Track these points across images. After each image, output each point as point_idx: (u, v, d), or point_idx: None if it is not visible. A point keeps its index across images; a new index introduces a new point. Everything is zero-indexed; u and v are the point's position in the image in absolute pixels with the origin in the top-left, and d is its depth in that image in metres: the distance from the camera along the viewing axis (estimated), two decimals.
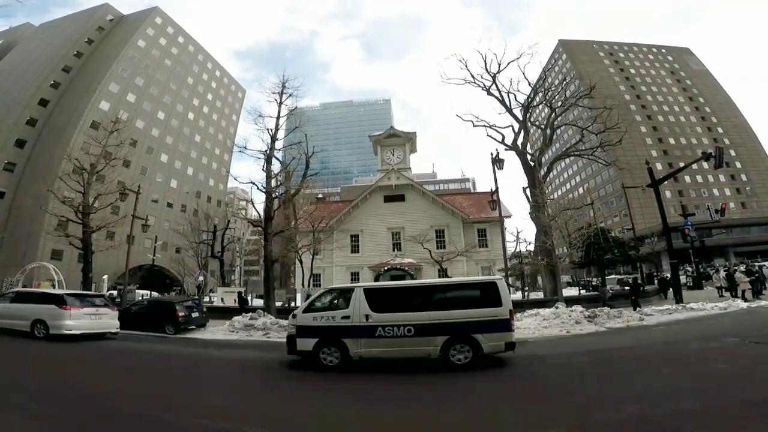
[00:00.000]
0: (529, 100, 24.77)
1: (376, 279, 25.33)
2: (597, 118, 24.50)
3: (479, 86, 24.76)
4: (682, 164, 34.37)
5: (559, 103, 25.05)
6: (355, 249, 29.01)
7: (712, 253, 50.86)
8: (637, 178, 47.96)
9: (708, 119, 74.72)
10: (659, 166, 58.59)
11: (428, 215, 28.62)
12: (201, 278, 33.45)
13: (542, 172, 24.04)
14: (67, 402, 5.54)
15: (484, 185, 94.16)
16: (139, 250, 36.80)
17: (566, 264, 32.12)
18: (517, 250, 30.92)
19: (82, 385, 6.68)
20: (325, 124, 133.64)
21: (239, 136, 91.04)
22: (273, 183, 25.16)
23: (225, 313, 19.21)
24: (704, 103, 76.67)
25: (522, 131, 24.10)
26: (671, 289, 19.74)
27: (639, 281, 23.22)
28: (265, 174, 24.91)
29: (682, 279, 25.14)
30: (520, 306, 16.92)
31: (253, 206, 32.23)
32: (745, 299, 16.53)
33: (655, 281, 29.50)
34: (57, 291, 15.49)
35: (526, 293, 27.75)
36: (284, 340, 9.01)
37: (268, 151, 25.17)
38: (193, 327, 15.75)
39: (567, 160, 74.94)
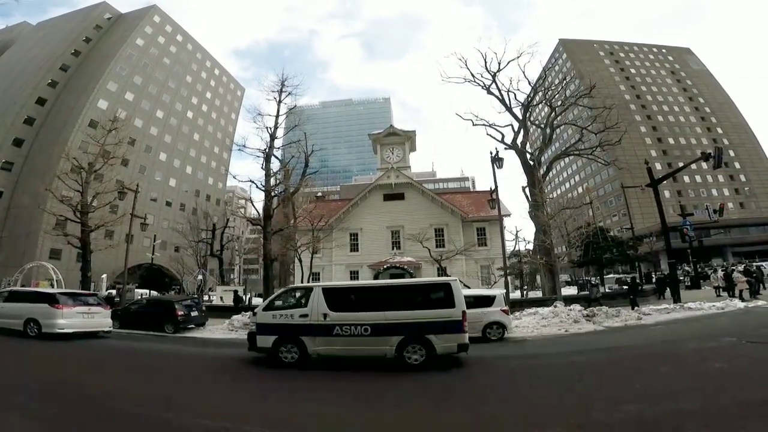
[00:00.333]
0: (529, 99, 24.76)
1: (376, 277, 25.33)
2: (597, 118, 24.51)
3: (479, 85, 24.76)
4: (681, 164, 34.41)
5: (559, 103, 25.05)
6: (354, 247, 29.00)
7: (710, 252, 51.00)
8: (637, 178, 48.04)
9: (708, 119, 74.84)
10: (658, 166, 58.71)
11: (428, 214, 28.62)
12: (200, 277, 33.41)
13: (542, 171, 24.07)
14: (59, 401, 5.53)
15: (483, 184, 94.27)
16: (138, 249, 36.73)
17: (565, 263, 32.21)
18: (516, 249, 30.96)
19: (79, 385, 6.65)
20: (325, 123, 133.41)
21: (238, 134, 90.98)
22: (272, 181, 25.21)
23: (224, 311, 19.21)
24: (704, 104, 76.77)
25: (522, 130, 24.10)
26: (669, 289, 19.78)
27: (637, 280, 23.28)
28: (264, 172, 24.96)
29: (680, 278, 25.18)
30: (519, 305, 16.98)
31: (253, 205, 32.34)
32: (742, 299, 16.58)
33: (654, 281, 29.57)
34: (49, 290, 15.62)
35: (524, 292, 27.83)
36: None
37: (267, 150, 25.21)
38: (193, 326, 15.75)
39: (566, 160, 75.01)
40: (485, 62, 24.37)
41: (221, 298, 26.49)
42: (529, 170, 23.18)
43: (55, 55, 53.01)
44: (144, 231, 31.62)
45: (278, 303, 8.62)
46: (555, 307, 15.05)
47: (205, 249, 36.74)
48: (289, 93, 26.32)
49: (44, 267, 29.35)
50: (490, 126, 24.24)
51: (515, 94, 24.65)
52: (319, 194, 41.47)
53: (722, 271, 22.39)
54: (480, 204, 28.86)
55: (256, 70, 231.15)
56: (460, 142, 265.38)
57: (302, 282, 25.11)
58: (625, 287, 23.29)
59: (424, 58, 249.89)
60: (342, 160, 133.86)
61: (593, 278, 36.43)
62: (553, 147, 46.77)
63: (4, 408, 5.15)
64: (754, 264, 27.59)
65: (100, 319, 12.87)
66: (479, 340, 11.42)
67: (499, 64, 24.02)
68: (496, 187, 19.01)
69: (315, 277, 27.08)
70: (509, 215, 30.47)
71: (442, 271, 23.45)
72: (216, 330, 15.16)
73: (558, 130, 28.42)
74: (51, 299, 11.97)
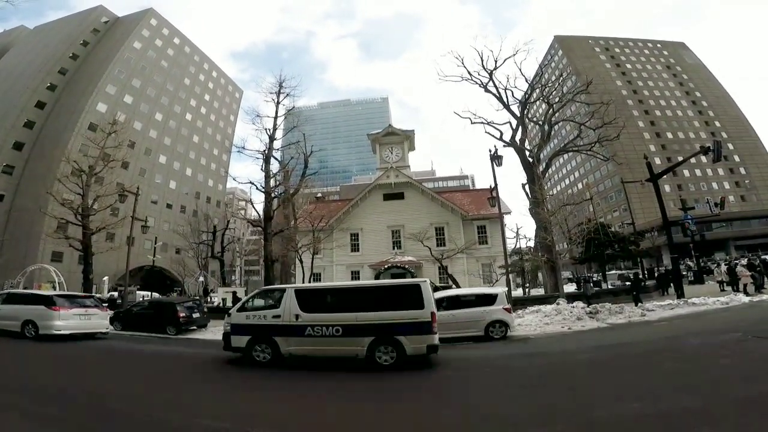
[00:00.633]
0: (527, 96, 24.71)
1: (377, 277, 25.31)
2: (594, 114, 24.43)
3: (476, 83, 24.71)
4: (680, 158, 34.28)
5: (557, 99, 24.99)
6: (355, 248, 28.97)
7: (712, 246, 50.90)
8: (636, 173, 48.00)
9: (705, 113, 74.70)
10: (658, 161, 58.57)
11: (428, 213, 28.57)
12: (201, 278, 33.41)
13: (541, 168, 24.00)
14: (55, 401, 5.52)
15: (483, 182, 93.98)
16: (139, 252, 36.75)
17: (566, 260, 32.12)
18: (517, 246, 30.87)
19: (74, 385, 6.63)
20: (323, 123, 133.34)
21: (237, 136, 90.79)
22: (272, 183, 25.19)
23: (226, 313, 19.15)
24: (701, 98, 76.65)
25: (520, 127, 24.05)
26: (672, 284, 19.70)
27: (640, 276, 23.23)
28: (263, 174, 24.94)
29: (683, 273, 25.09)
30: (521, 303, 16.94)
31: (253, 206, 32.34)
32: (746, 293, 16.43)
33: (655, 276, 29.52)
34: (47, 292, 15.81)
35: (526, 290, 27.76)
36: None
37: (266, 151, 25.19)
38: (195, 327, 15.75)
39: (565, 156, 74.78)
40: (482, 60, 24.38)
41: (223, 299, 26.46)
42: (529, 167, 23.12)
43: (54, 58, 52.95)
44: (145, 233, 31.67)
45: (252, 304, 8.84)
46: (558, 304, 15.01)
47: (206, 251, 36.76)
48: (288, 94, 26.33)
49: (46, 269, 29.40)
50: (488, 124, 24.22)
51: (512, 92, 24.71)
52: (319, 195, 41.41)
53: (725, 265, 22.29)
54: (480, 202, 28.80)
55: (254, 71, 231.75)
56: (459, 141, 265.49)
57: (303, 283, 25.10)
58: (627, 283, 23.23)
59: (421, 57, 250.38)
60: (341, 160, 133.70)
61: (588, 275, 36.40)
62: (552, 143, 46.73)
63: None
64: (758, 257, 27.52)
65: (97, 320, 13.08)
66: (482, 338, 11.41)
67: (496, 61, 24.06)
68: (496, 184, 18.96)
69: (316, 277, 27.07)
70: (510, 213, 30.45)
71: (443, 270, 23.43)
72: (218, 331, 15.06)
73: (556, 127, 28.39)
74: (48, 301, 12.18)
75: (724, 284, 19.69)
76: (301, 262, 25.09)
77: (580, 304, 14.79)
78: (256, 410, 5.35)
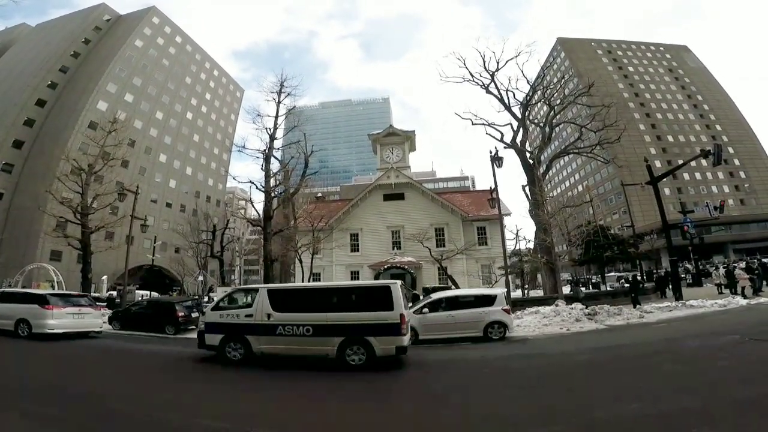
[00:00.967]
0: (528, 98, 24.73)
1: (376, 277, 25.31)
2: (596, 116, 24.48)
3: (478, 84, 24.74)
4: (680, 161, 34.35)
5: (558, 101, 25.02)
6: (354, 248, 28.96)
7: (711, 250, 50.92)
8: (636, 176, 47.98)
9: (706, 116, 74.76)
10: (658, 164, 58.58)
11: (428, 213, 28.57)
12: (201, 278, 33.38)
13: (541, 170, 24.04)
14: (50, 400, 5.53)
15: (483, 183, 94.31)
16: (139, 251, 36.70)
17: (566, 262, 32.14)
18: (517, 247, 30.94)
19: (73, 385, 6.64)
20: (324, 123, 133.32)
21: (238, 135, 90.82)
22: (272, 182, 25.20)
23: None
24: (702, 101, 76.71)
25: (521, 129, 24.07)
26: (670, 286, 19.75)
27: (639, 278, 23.27)
28: (264, 173, 24.95)
29: (681, 276, 25.13)
30: (520, 304, 16.96)
31: (253, 206, 32.36)
32: (744, 296, 16.53)
33: (654, 279, 29.57)
34: (40, 291, 15.85)
35: (526, 291, 27.80)
36: None
37: (266, 151, 25.21)
38: (194, 327, 15.70)
39: (566, 158, 74.93)
40: (484, 61, 24.36)
41: None
42: (529, 169, 23.14)
43: (55, 56, 52.93)
44: (144, 232, 31.63)
45: (226, 303, 8.99)
46: (556, 306, 15.02)
47: (206, 250, 36.73)
48: (289, 94, 26.36)
49: (45, 268, 29.36)
50: (489, 125, 24.24)
51: (514, 93, 24.64)
52: (319, 195, 41.43)
53: (724, 268, 22.35)
54: (480, 203, 28.82)
55: (256, 71, 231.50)
56: (460, 142, 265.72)
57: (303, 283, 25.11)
58: (626, 285, 23.28)
59: (423, 58, 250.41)
60: (342, 160, 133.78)
61: (594, 276, 36.44)
62: (553, 145, 46.81)
63: None
64: (756, 261, 27.58)
65: (91, 319, 13.11)
66: (481, 339, 11.41)
67: (498, 63, 24.08)
68: (496, 186, 18.98)
69: (316, 277, 27.06)
70: (509, 214, 30.46)
71: (443, 271, 23.45)
72: None
73: (557, 129, 28.39)
74: (41, 300, 12.20)
75: (723, 287, 19.76)
76: (301, 262, 25.09)
77: (579, 305, 14.80)
78: (256, 410, 5.36)
